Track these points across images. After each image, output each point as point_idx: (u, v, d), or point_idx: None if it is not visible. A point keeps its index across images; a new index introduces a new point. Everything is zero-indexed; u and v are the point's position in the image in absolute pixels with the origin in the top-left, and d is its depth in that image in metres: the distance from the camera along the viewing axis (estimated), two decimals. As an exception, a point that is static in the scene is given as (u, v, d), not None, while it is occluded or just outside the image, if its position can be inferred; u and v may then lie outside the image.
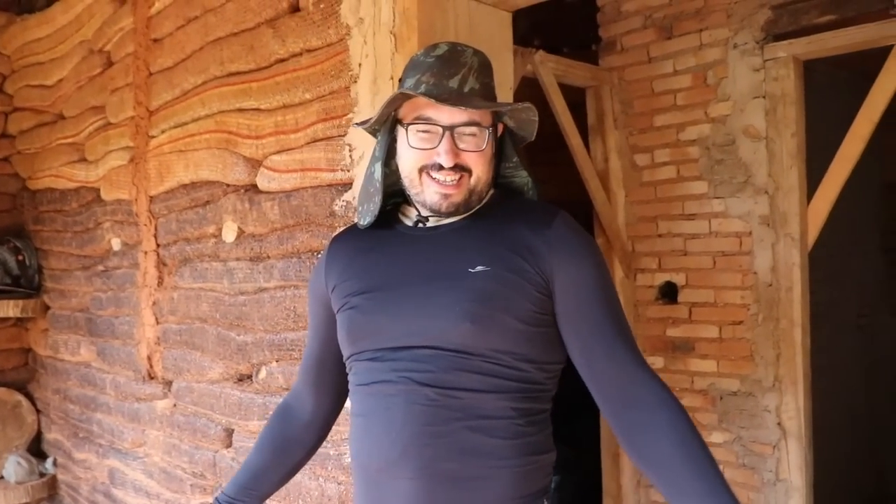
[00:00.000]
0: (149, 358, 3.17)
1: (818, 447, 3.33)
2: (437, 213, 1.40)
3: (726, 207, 3.21)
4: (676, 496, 1.27)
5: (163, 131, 2.97)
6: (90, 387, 3.74)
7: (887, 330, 5.38)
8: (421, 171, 1.38)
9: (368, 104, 2.09)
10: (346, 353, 1.48)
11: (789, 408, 3.07)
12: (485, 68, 1.42)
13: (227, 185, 2.63)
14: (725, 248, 3.23)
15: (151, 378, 3.18)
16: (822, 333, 3.95)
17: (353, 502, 1.48)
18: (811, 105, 3.28)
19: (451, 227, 1.42)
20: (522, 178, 1.51)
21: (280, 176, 2.37)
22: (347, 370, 1.49)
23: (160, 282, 3.06)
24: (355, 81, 2.12)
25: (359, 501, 1.45)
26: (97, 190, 3.52)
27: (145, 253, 3.12)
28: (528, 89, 3.14)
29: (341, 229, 1.62)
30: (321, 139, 2.23)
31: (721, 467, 1.35)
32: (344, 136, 2.16)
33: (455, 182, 1.36)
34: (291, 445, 1.65)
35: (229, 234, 2.63)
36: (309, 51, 2.27)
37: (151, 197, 3.06)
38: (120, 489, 3.49)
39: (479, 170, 1.38)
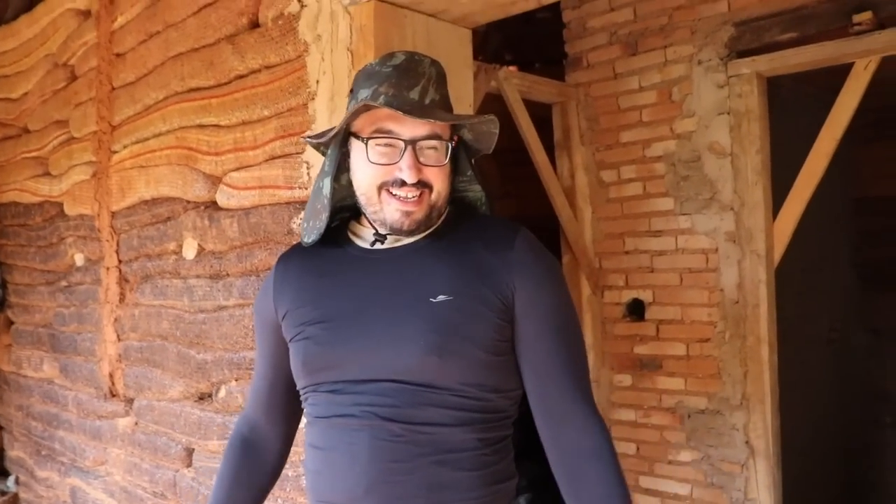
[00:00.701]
0: (110, 375, 3.12)
1: (787, 465, 3.34)
2: (398, 231, 1.33)
3: (692, 224, 3.22)
4: None
5: (125, 146, 2.93)
6: (53, 404, 3.68)
7: (858, 344, 5.41)
8: (381, 187, 1.31)
9: (326, 121, 2.07)
10: (300, 383, 1.41)
11: (757, 426, 3.07)
12: (442, 79, 1.38)
13: (188, 202, 2.60)
14: (692, 265, 3.23)
15: (113, 396, 3.14)
16: (792, 348, 3.96)
17: None
18: (778, 121, 3.30)
19: (409, 248, 1.36)
20: (476, 192, 1.45)
21: (239, 193, 2.35)
22: (302, 400, 1.42)
23: (122, 298, 3.02)
24: (313, 98, 2.11)
25: None
26: (61, 204, 3.48)
27: (107, 269, 3.08)
28: (494, 105, 3.14)
29: (285, 249, 1.56)
30: (279, 156, 2.21)
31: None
32: (302, 153, 2.14)
33: (416, 198, 1.30)
34: (261, 477, 1.56)
35: (189, 250, 2.60)
36: (267, 67, 2.25)
37: (113, 212, 3.02)
38: (82, 509, 3.43)
39: (440, 185, 1.33)
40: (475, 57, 2.25)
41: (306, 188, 2.13)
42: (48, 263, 3.65)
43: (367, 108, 1.30)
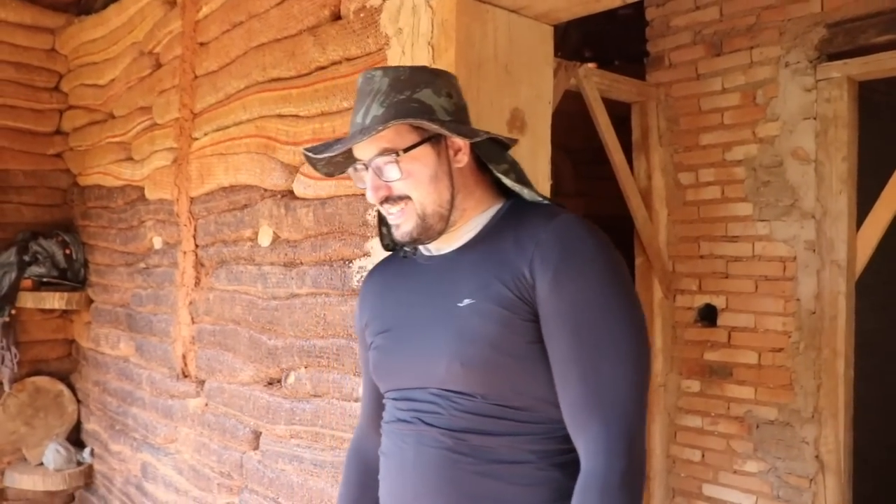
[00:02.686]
0: (184, 356, 3.20)
1: (859, 483, 3.22)
2: (403, 243, 1.37)
3: (771, 231, 3.13)
4: None
5: (205, 134, 3.00)
6: (128, 381, 3.80)
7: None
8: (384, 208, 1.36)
9: (404, 115, 2.08)
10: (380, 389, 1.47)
11: (828, 440, 2.97)
12: (399, 84, 1.30)
13: (265, 190, 2.64)
14: (768, 273, 3.14)
15: (185, 376, 3.22)
16: (871, 363, 3.82)
17: None
18: (868, 127, 3.18)
19: (455, 252, 1.35)
20: (511, 183, 1.36)
21: (316, 183, 2.38)
22: None
23: (197, 282, 3.09)
24: (392, 92, 2.11)
25: None
26: (142, 189, 3.58)
27: (184, 253, 3.16)
28: (573, 102, 3.10)
29: (379, 261, 1.60)
30: (357, 148, 2.23)
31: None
32: (379, 145, 2.15)
33: (399, 212, 1.31)
34: (373, 482, 1.54)
35: (265, 238, 2.64)
36: (348, 59, 2.27)
37: (192, 198, 3.10)
38: (151, 483, 3.53)
39: (418, 194, 1.29)
40: (555, 53, 2.23)
41: (382, 181, 2.14)
42: (128, 245, 3.76)
43: (309, 160, 1.39)
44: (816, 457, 3.01)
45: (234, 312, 2.83)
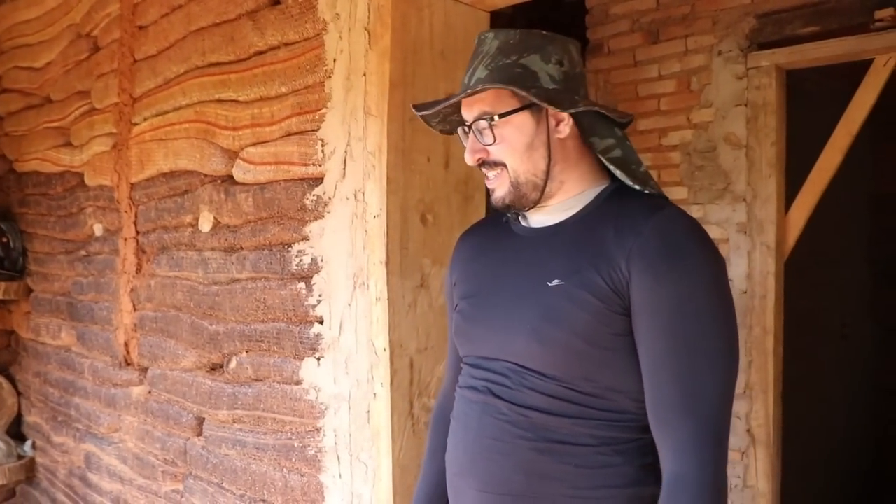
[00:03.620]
0: (126, 344, 3.18)
1: (790, 455, 3.35)
2: (499, 209, 1.35)
3: (705, 214, 3.22)
4: None
5: (145, 119, 2.97)
6: (69, 371, 3.75)
7: (869, 339, 5.41)
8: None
9: (342, 99, 2.10)
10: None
11: (759, 415, 3.09)
12: (508, 48, 1.27)
13: (205, 175, 2.64)
14: (703, 255, 3.23)
15: (128, 364, 3.20)
16: (803, 341, 3.97)
17: None
18: (798, 114, 3.29)
19: (554, 228, 1.33)
20: (623, 153, 1.32)
21: (255, 168, 2.38)
22: None
23: (139, 269, 3.07)
24: (330, 76, 2.13)
25: (448, 493, 1.43)
26: (81, 175, 3.53)
27: (125, 240, 3.13)
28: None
29: (475, 223, 1.57)
30: (295, 133, 2.24)
31: None
32: (317, 130, 2.17)
33: (495, 177, 1.31)
34: None
35: (205, 223, 2.64)
36: (286, 44, 2.28)
37: (132, 184, 3.07)
38: (95, 474, 3.50)
39: (512, 161, 1.28)
40: (492, 40, 2.26)
41: (320, 165, 2.16)
42: (68, 233, 3.71)
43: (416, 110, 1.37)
44: (748, 431, 3.13)
45: (175, 299, 2.83)
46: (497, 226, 1.43)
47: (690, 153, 3.24)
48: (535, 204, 1.31)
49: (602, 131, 1.32)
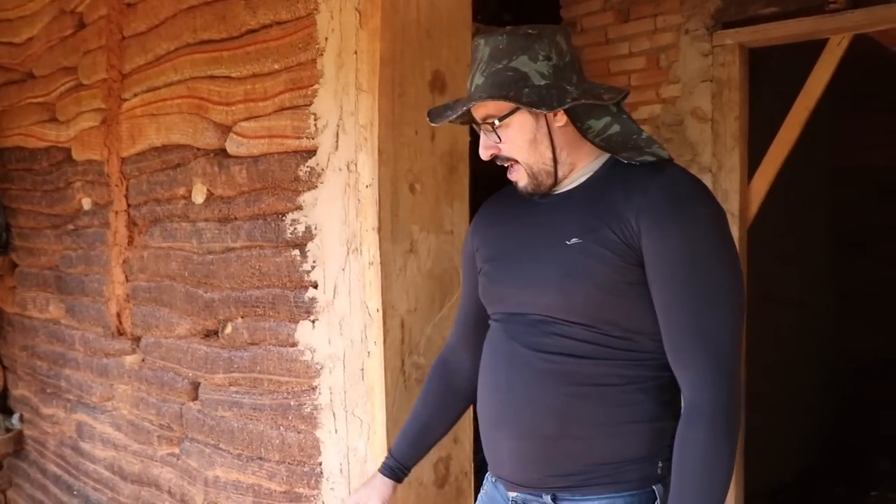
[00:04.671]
0: (118, 314, 3.28)
1: (753, 416, 3.54)
2: (526, 196, 1.49)
3: (673, 184, 3.38)
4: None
5: (135, 94, 3.05)
6: (59, 343, 3.82)
7: (829, 308, 5.65)
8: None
9: (333, 76, 2.22)
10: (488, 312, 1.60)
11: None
12: (498, 53, 1.39)
13: (198, 149, 2.74)
14: (671, 223, 3.41)
15: (120, 334, 3.29)
16: (766, 308, 4.17)
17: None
18: (764, 91, 3.47)
19: (567, 193, 1.47)
20: (621, 127, 1.46)
21: (248, 141, 2.49)
22: None
23: (130, 241, 3.16)
24: (321, 54, 2.25)
25: (483, 447, 1.57)
26: (68, 150, 3.59)
27: (116, 213, 3.22)
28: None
29: (496, 193, 1.69)
30: (288, 108, 2.36)
31: None
32: (310, 105, 2.29)
33: (513, 171, 1.47)
34: (453, 397, 1.75)
35: (199, 195, 2.74)
36: (279, 23, 2.38)
37: (123, 158, 3.15)
38: (88, 442, 3.59)
39: (522, 156, 1.43)
40: (474, 18, 2.39)
41: (313, 138, 2.28)
42: (54, 207, 3.77)
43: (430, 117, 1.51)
44: (713, 390, 3.31)
45: (169, 268, 2.93)
46: (515, 196, 1.55)
47: (659, 126, 3.41)
48: (554, 186, 1.47)
49: (596, 112, 1.47)
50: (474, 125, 1.49)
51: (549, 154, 1.43)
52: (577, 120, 1.45)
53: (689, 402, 1.32)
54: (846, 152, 5.64)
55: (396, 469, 1.74)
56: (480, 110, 1.43)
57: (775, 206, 3.58)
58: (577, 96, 1.39)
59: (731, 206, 3.22)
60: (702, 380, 1.30)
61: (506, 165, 1.48)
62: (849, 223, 5.68)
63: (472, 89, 1.42)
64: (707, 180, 3.28)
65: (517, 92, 1.37)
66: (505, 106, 1.40)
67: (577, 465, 1.40)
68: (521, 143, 1.42)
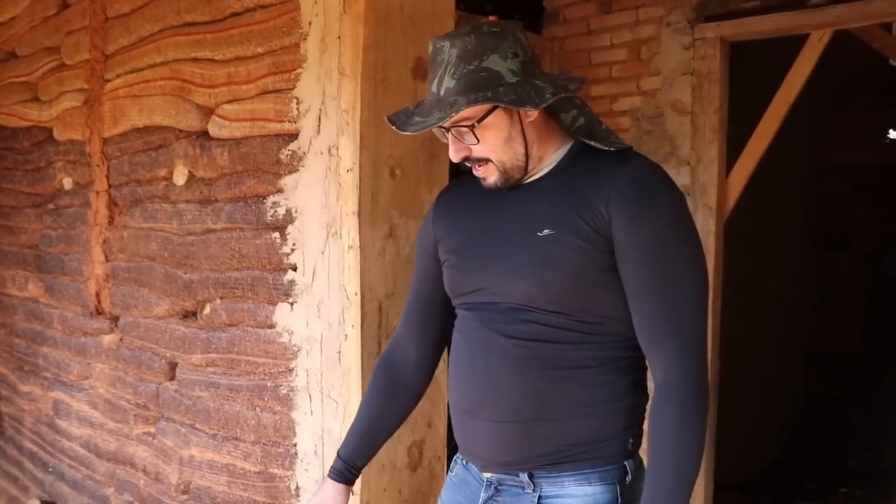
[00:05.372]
0: (97, 294, 3.29)
1: (728, 405, 3.60)
2: (491, 189, 1.48)
3: (652, 176, 3.42)
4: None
5: (118, 76, 3.05)
6: (37, 321, 3.83)
7: (805, 303, 5.72)
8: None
9: (317, 61, 2.23)
10: (452, 302, 1.59)
11: (699, 365, 3.32)
12: (467, 54, 1.38)
13: (180, 131, 2.74)
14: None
15: (99, 313, 3.30)
16: (742, 301, 4.23)
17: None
18: (745, 85, 3.51)
19: (534, 183, 1.48)
20: (575, 119, 1.50)
21: (231, 124, 2.50)
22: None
23: (111, 221, 3.17)
24: (305, 38, 2.26)
25: (455, 435, 1.59)
26: (50, 129, 3.58)
27: (97, 193, 3.22)
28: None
29: (452, 181, 1.70)
30: (271, 91, 2.37)
31: None
32: (292, 89, 2.30)
33: (482, 169, 1.46)
34: (401, 391, 1.72)
35: (180, 177, 2.75)
36: (263, 7, 2.39)
37: (105, 139, 3.15)
38: (64, 420, 3.61)
39: (496, 155, 1.43)
40: (457, 6, 2.41)
41: (296, 122, 2.30)
42: (35, 186, 3.76)
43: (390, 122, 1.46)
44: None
45: (149, 249, 2.94)
46: (475, 184, 1.55)
47: (639, 118, 3.45)
48: (523, 178, 1.48)
49: (565, 105, 1.50)
50: (436, 130, 1.45)
51: (522, 150, 1.44)
52: (553, 114, 1.49)
53: (661, 382, 1.37)
54: (826, 149, 5.71)
55: (346, 472, 1.71)
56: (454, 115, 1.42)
57: (754, 201, 3.63)
58: (553, 91, 1.40)
59: (709, 199, 3.26)
60: (673, 361, 1.35)
61: (476, 167, 1.46)
62: (827, 219, 5.75)
63: (442, 93, 1.39)
64: (685, 173, 3.32)
65: (494, 92, 1.36)
66: (481, 107, 1.39)
67: (555, 445, 1.45)
68: (497, 143, 1.42)
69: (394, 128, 1.44)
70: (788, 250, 5.36)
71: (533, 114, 1.43)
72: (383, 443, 1.76)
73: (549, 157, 1.49)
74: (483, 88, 1.37)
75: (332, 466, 1.72)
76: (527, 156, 1.45)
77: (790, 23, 2.98)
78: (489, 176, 1.46)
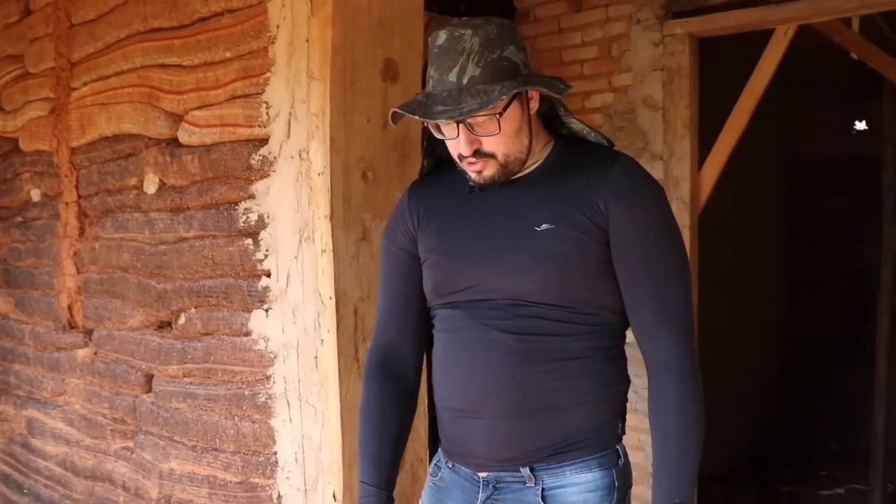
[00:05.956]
0: (69, 307, 3.24)
1: (708, 397, 3.61)
2: (479, 187, 1.45)
3: (626, 172, 3.44)
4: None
5: (85, 83, 3.01)
6: (7, 338, 3.76)
7: (781, 294, 5.78)
8: (459, 157, 1.44)
9: (285, 64, 2.21)
10: (430, 302, 1.56)
11: (677, 359, 3.34)
12: (490, 43, 1.36)
13: (149, 139, 2.71)
14: (624, 212, 3.46)
15: (72, 327, 3.25)
16: (721, 295, 4.27)
17: (440, 437, 1.58)
18: (716, 80, 3.53)
19: (518, 182, 1.47)
20: (576, 124, 1.51)
21: (200, 130, 2.48)
22: (432, 316, 1.57)
23: (81, 232, 3.12)
24: (273, 42, 2.24)
25: (444, 436, 1.56)
26: (15, 140, 3.52)
27: (66, 204, 3.17)
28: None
29: (417, 179, 1.65)
30: (240, 96, 2.34)
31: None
32: (261, 93, 2.28)
33: (482, 161, 1.42)
34: (410, 397, 1.63)
35: (151, 185, 2.72)
36: (230, 11, 2.37)
37: (73, 148, 3.11)
38: (39, 439, 3.54)
39: (503, 149, 1.41)
40: (427, 7, 2.40)
41: (265, 126, 2.28)
42: (2, 199, 3.69)
43: (395, 113, 1.39)
44: (666, 374, 3.38)
45: (121, 260, 2.90)
46: (450, 179, 1.54)
47: (611, 115, 3.46)
48: (516, 173, 1.47)
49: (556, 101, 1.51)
50: (439, 123, 1.41)
51: (527, 141, 1.44)
52: (554, 106, 1.50)
53: (658, 366, 1.42)
54: (796, 141, 5.76)
55: (390, 501, 1.56)
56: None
57: (727, 194, 3.66)
58: (563, 82, 1.43)
59: (682, 193, 3.28)
60: (668, 345, 1.41)
61: (476, 159, 1.42)
62: (799, 210, 5.81)
63: (465, 81, 1.35)
64: (658, 168, 3.33)
65: (527, 80, 1.38)
66: (506, 97, 1.36)
67: (557, 436, 1.46)
68: (511, 134, 1.41)
69: (415, 117, 1.39)
70: (763, 242, 5.41)
71: (535, 106, 1.44)
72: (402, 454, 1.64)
73: (538, 153, 1.49)
74: (512, 77, 1.37)
75: (366, 501, 1.55)
76: (529, 149, 1.46)
77: (756, 18, 3.01)
78: (487, 169, 1.43)
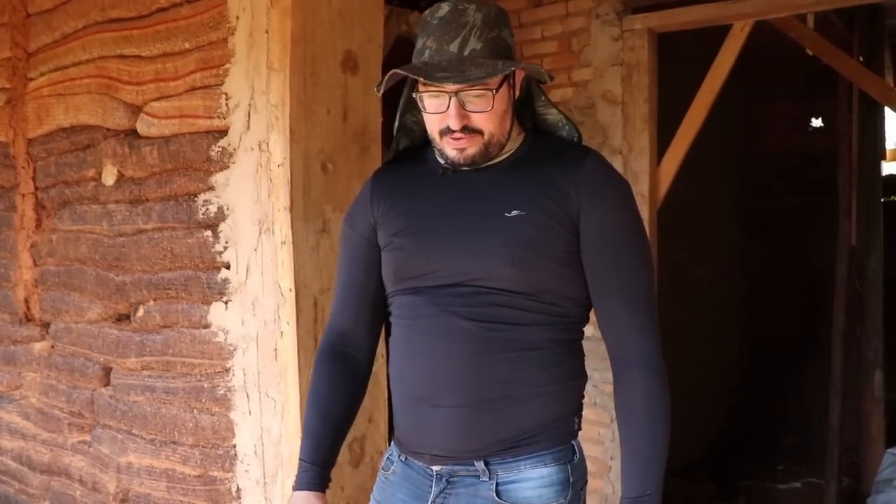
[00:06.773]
0: (26, 300, 3.19)
1: (671, 387, 3.68)
2: (457, 165, 1.45)
3: (586, 167, 3.48)
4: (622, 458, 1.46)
5: (42, 74, 2.97)
6: (-38, 332, 3.70)
7: (739, 288, 5.88)
8: (441, 133, 1.43)
9: (245, 55, 2.21)
10: (389, 288, 1.55)
11: (635, 350, 3.39)
12: (490, 22, 1.40)
13: (108, 130, 2.68)
14: (585, 205, 3.51)
15: (29, 320, 3.21)
16: (679, 288, 4.33)
17: (395, 428, 1.57)
18: (674, 73, 3.58)
19: (489, 169, 1.48)
20: (554, 115, 1.53)
21: (159, 122, 2.46)
22: (389, 303, 1.56)
23: (38, 224, 3.08)
24: (233, 33, 2.23)
25: (399, 426, 1.54)
26: (-30, 132, 3.47)
27: (23, 196, 3.13)
28: (404, 49, 3.29)
29: (380, 166, 1.65)
30: (199, 87, 2.33)
31: None
32: (221, 84, 2.27)
33: (467, 138, 1.42)
34: (359, 384, 1.64)
35: (109, 177, 2.69)
36: (189, 2, 2.35)
37: (30, 139, 3.06)
38: (-6, 433, 3.50)
39: (491, 128, 1.42)
40: (387, 1, 2.41)
41: (225, 118, 2.27)
42: (-43, 191, 3.64)
43: (395, 74, 1.38)
44: (625, 366, 3.43)
45: (79, 252, 2.87)
46: (416, 166, 1.56)
47: (571, 109, 3.49)
48: (491, 158, 1.48)
49: (536, 90, 1.53)
50: (426, 95, 1.42)
51: (509, 125, 1.46)
52: (531, 96, 1.53)
53: (624, 359, 1.44)
54: (753, 137, 5.86)
55: (320, 478, 1.56)
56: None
57: (685, 189, 3.71)
58: (549, 72, 1.47)
59: (641, 187, 3.33)
60: (636, 337, 1.43)
61: (461, 135, 1.42)
62: (756, 206, 5.91)
63: (467, 52, 1.37)
64: (618, 162, 3.38)
65: (519, 62, 1.42)
66: (501, 76, 1.39)
67: (515, 429, 1.46)
68: (499, 113, 1.42)
69: (420, 78, 1.38)
70: (721, 237, 5.50)
71: (517, 95, 1.47)
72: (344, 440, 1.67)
73: (510, 144, 1.50)
74: (509, 56, 1.41)
75: (301, 476, 1.55)
76: (510, 134, 1.48)
77: (713, 14, 3.06)
78: (470, 147, 1.43)
